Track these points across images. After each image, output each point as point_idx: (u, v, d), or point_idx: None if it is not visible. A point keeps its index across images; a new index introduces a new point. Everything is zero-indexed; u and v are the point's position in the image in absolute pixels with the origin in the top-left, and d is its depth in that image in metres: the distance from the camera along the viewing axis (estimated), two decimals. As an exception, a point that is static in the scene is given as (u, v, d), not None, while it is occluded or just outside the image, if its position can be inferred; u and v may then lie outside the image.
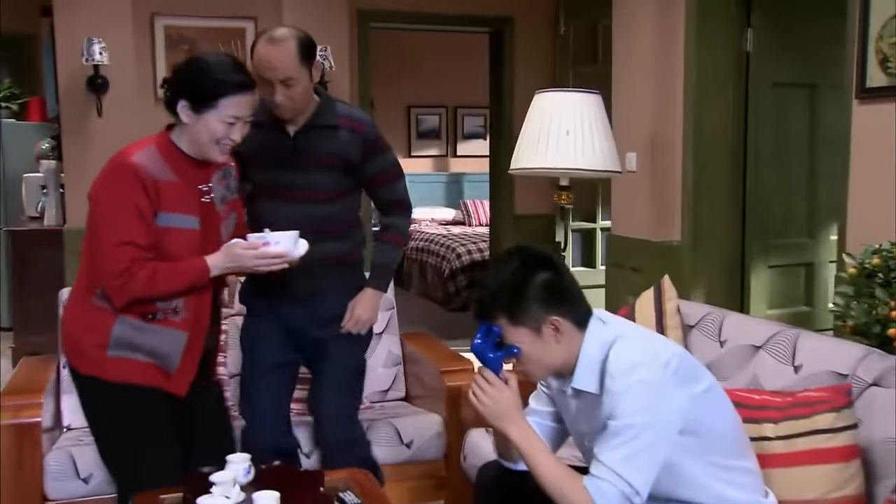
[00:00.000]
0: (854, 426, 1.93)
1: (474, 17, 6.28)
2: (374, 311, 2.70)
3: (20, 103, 6.93)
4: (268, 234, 2.34)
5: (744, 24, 4.09)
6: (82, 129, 5.14)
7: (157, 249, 2.24)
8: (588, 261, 6.10)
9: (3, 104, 6.84)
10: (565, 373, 1.96)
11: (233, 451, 2.24)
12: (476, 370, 1.98)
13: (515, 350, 1.91)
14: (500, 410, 1.91)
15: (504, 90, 6.24)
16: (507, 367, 1.98)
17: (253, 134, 2.41)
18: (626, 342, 1.89)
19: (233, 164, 2.46)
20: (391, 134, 10.16)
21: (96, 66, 5.01)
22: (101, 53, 4.96)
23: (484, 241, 7.91)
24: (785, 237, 4.28)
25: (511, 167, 3.35)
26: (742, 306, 4.21)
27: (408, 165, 10.09)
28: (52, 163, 5.82)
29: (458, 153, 10.20)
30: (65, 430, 2.98)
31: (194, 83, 2.26)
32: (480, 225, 9.30)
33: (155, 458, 2.30)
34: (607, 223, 5.34)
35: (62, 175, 5.45)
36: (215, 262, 2.28)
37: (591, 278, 5.69)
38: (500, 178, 6.28)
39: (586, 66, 5.79)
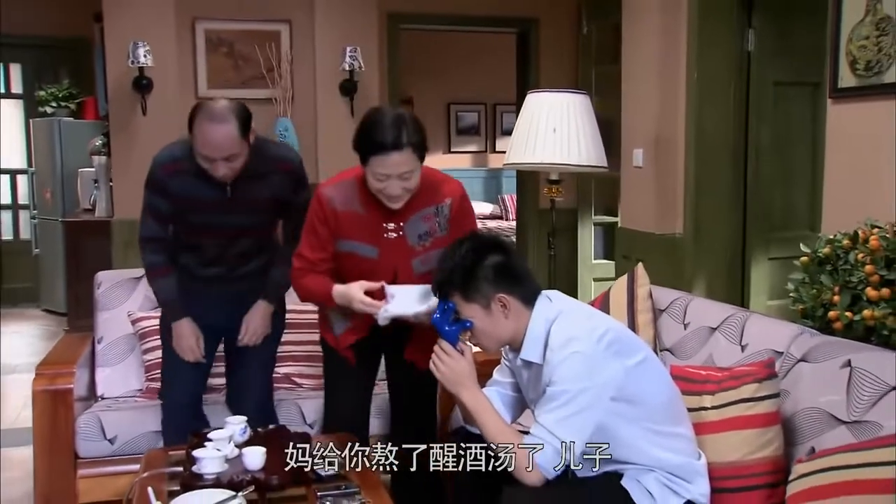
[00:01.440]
0: (775, 395, 2.12)
1: (501, 18, 6.51)
2: (267, 322, 2.93)
3: (77, 103, 7.37)
4: (388, 287, 2.45)
5: (745, 24, 4.23)
6: (128, 127, 5.51)
7: (337, 265, 2.60)
8: (609, 253, 6.27)
9: (62, 103, 7.29)
10: (515, 346, 2.19)
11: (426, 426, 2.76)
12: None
13: (468, 324, 2.15)
14: (454, 377, 2.16)
15: (530, 89, 6.44)
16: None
17: (189, 183, 2.67)
18: (566, 317, 2.12)
19: (448, 200, 2.59)
20: (431, 130, 10.38)
21: (141, 68, 5.37)
22: (145, 56, 5.32)
23: (517, 234, 8.11)
24: (786, 230, 4.39)
25: (504, 162, 3.58)
26: (742, 297, 4.36)
27: (447, 161, 10.51)
28: (103, 158, 6.23)
29: (497, 149, 10.41)
30: (99, 398, 3.31)
31: (355, 139, 2.46)
32: (518, 220, 9.50)
33: (333, 407, 2.85)
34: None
35: (112, 170, 5.85)
36: (337, 291, 2.54)
37: (611, 271, 5.88)
38: (526, 173, 6.50)
39: (608, 66, 5.95)
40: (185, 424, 2.79)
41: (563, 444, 1.99)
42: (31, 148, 7.75)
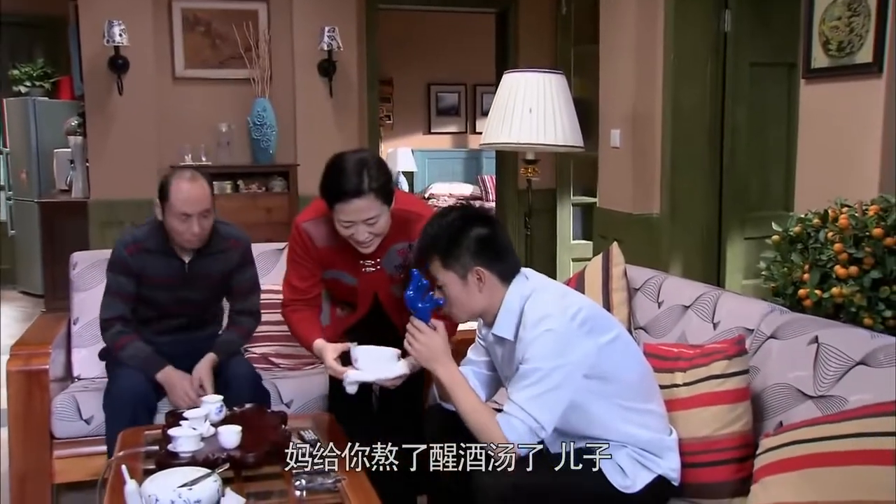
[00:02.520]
0: (744, 372, 2.15)
1: (480, -2, 6.49)
2: (211, 372, 2.94)
3: (52, 82, 7.28)
4: (353, 350, 2.45)
5: (721, 5, 4.25)
6: (104, 107, 5.47)
7: (328, 289, 2.74)
8: (588, 234, 6.31)
9: (37, 83, 7.21)
10: (487, 320, 2.21)
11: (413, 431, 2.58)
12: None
13: (441, 302, 2.17)
14: (429, 353, 2.18)
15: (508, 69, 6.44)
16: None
17: (151, 261, 2.87)
18: (539, 295, 2.13)
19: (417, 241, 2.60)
20: (411, 112, 10.47)
21: (117, 48, 5.31)
22: (121, 35, 5.26)
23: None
24: (761, 210, 4.42)
25: (481, 142, 3.59)
26: (718, 277, 4.41)
27: (427, 142, 10.47)
28: (79, 139, 6.18)
29: (477, 130, 10.40)
30: (75, 379, 3.30)
31: (320, 187, 2.47)
32: (497, 200, 9.52)
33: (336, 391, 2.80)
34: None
35: (88, 150, 5.79)
36: (316, 346, 2.59)
37: (589, 251, 5.91)
38: (505, 154, 6.50)
39: (586, 46, 5.95)
40: (132, 416, 2.78)
41: (537, 421, 2.02)
42: (6, 128, 7.66)
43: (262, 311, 3.14)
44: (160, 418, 2.84)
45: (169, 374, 2.87)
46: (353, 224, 2.42)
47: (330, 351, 2.52)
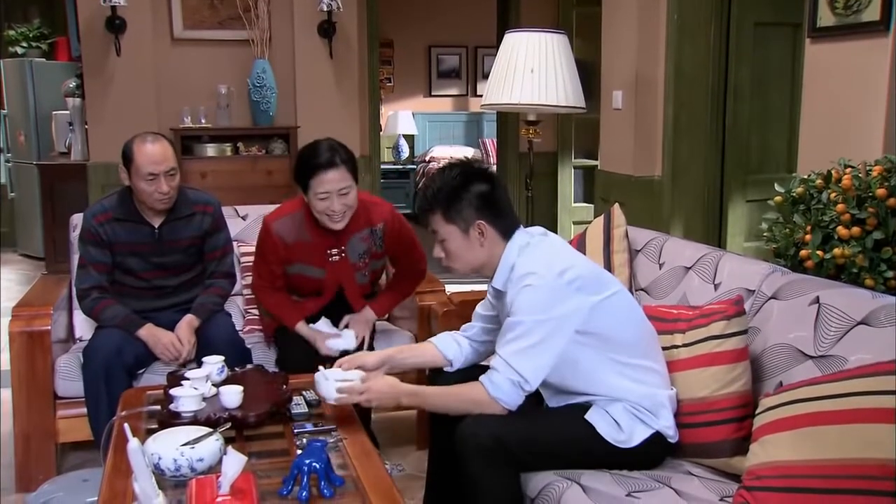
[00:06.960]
0: (743, 332, 2.15)
1: (481, -42, 6.40)
2: (192, 332, 2.99)
3: (49, 43, 7.21)
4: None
5: (726, -36, 4.20)
6: (102, 69, 5.40)
7: (292, 286, 3.01)
8: (589, 197, 6.29)
9: (34, 44, 7.13)
10: (486, 273, 2.26)
11: None
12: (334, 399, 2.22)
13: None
14: (383, 396, 2.22)
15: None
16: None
17: (120, 228, 2.94)
18: (532, 250, 2.17)
19: (381, 224, 2.99)
20: (411, 74, 10.37)
21: (114, 7, 5.22)
22: (117, -6, 5.17)
23: (497, 178, 8.09)
24: (764, 172, 4.42)
25: (482, 103, 3.56)
26: (720, 239, 4.40)
27: (428, 105, 10.39)
28: (78, 100, 6.13)
29: (478, 93, 10.31)
30: (77, 340, 3.31)
31: (295, 171, 2.83)
32: (498, 163, 9.46)
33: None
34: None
35: (87, 112, 5.74)
36: (299, 326, 2.97)
37: (591, 214, 5.90)
38: (506, 117, 6.46)
39: (589, 7, 5.90)
40: (105, 375, 2.81)
41: (520, 375, 2.05)
42: (3, 90, 7.60)
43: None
44: (145, 382, 2.91)
45: (151, 330, 2.92)
46: (329, 195, 2.73)
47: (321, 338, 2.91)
